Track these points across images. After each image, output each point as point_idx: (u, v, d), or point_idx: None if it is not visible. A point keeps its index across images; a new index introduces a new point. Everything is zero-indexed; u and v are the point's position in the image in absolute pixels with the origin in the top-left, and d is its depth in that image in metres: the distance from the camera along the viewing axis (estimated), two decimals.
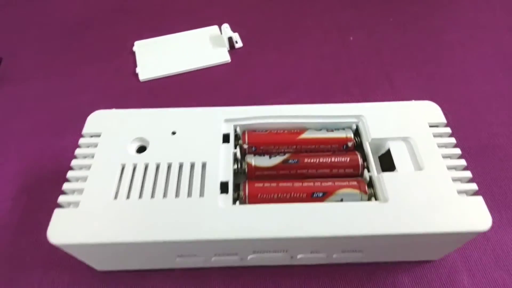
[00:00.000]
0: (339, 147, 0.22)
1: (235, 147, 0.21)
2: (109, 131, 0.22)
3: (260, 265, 0.22)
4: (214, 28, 0.38)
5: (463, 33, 0.38)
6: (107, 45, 0.37)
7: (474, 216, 0.18)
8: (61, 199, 0.19)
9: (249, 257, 0.21)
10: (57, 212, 0.18)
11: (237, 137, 0.22)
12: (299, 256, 0.21)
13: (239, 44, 0.37)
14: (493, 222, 0.26)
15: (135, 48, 0.36)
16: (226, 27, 0.36)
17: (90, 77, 0.34)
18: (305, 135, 0.22)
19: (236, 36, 0.37)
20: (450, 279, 0.23)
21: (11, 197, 0.26)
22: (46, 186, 0.27)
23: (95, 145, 0.21)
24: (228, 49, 0.36)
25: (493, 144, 0.28)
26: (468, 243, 0.24)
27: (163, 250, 0.19)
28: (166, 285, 0.22)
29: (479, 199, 0.19)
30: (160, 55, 0.36)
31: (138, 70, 0.34)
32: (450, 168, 0.20)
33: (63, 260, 0.23)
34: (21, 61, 0.35)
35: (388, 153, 0.21)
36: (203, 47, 0.36)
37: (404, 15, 0.39)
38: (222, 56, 0.36)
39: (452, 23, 0.39)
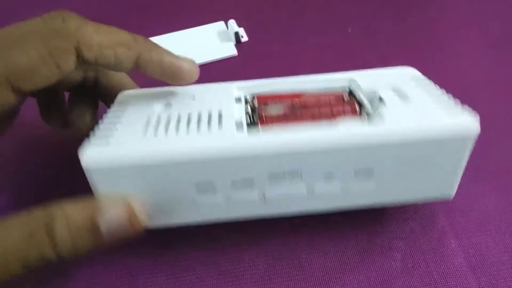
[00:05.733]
0: (337, 100, 0.25)
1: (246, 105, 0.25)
2: (137, 102, 0.25)
3: (279, 212, 0.24)
4: (221, 24, 0.41)
5: (454, 22, 0.40)
6: None
7: (461, 124, 0.21)
8: (92, 140, 0.21)
9: (266, 194, 0.23)
10: (87, 143, 0.21)
11: (246, 101, 0.25)
12: (316, 189, 0.23)
13: (244, 38, 0.39)
14: (476, 192, 0.28)
15: None
16: (232, 22, 0.39)
17: None
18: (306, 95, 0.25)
19: (241, 31, 0.39)
20: (439, 242, 0.25)
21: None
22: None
23: (125, 110, 0.24)
24: (235, 43, 0.39)
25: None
26: (455, 212, 0.26)
27: (184, 176, 0.21)
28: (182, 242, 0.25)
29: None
30: (171, 50, 0.38)
31: None
32: (434, 99, 0.23)
33: None
34: None
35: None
36: (211, 42, 0.39)
37: (398, 7, 0.42)
38: (229, 50, 0.38)
39: (443, 13, 0.42)
